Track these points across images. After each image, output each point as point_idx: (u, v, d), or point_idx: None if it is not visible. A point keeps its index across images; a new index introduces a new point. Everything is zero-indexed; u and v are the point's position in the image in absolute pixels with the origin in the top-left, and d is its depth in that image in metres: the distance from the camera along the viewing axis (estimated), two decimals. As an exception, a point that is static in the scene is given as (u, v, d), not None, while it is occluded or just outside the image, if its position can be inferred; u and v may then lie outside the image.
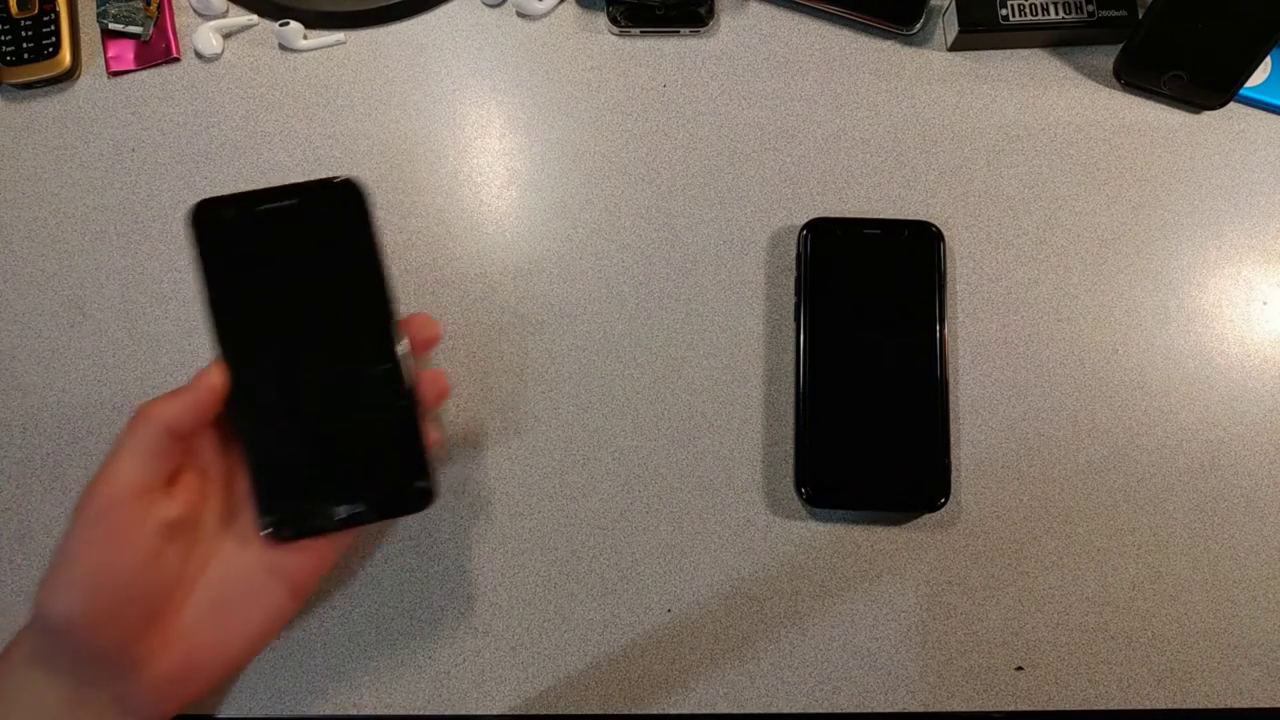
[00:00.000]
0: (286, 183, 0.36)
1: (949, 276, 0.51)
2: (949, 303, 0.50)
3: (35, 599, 0.33)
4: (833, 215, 0.51)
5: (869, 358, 0.48)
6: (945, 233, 0.50)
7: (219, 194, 0.36)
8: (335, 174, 0.37)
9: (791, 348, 0.50)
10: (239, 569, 0.36)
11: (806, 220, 0.50)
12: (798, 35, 0.55)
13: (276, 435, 0.36)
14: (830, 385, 0.48)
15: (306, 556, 0.37)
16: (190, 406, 0.35)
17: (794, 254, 0.50)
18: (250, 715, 0.47)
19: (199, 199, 0.36)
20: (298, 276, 0.36)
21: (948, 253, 0.50)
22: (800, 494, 0.47)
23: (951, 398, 0.49)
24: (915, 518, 0.48)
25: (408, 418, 0.37)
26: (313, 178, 0.37)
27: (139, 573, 0.33)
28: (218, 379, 0.35)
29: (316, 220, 0.36)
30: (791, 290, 0.50)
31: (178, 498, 0.35)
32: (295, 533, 0.36)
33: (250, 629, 0.36)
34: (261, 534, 0.36)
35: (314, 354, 0.36)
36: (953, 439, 0.48)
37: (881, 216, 0.51)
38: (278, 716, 0.47)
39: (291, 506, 0.36)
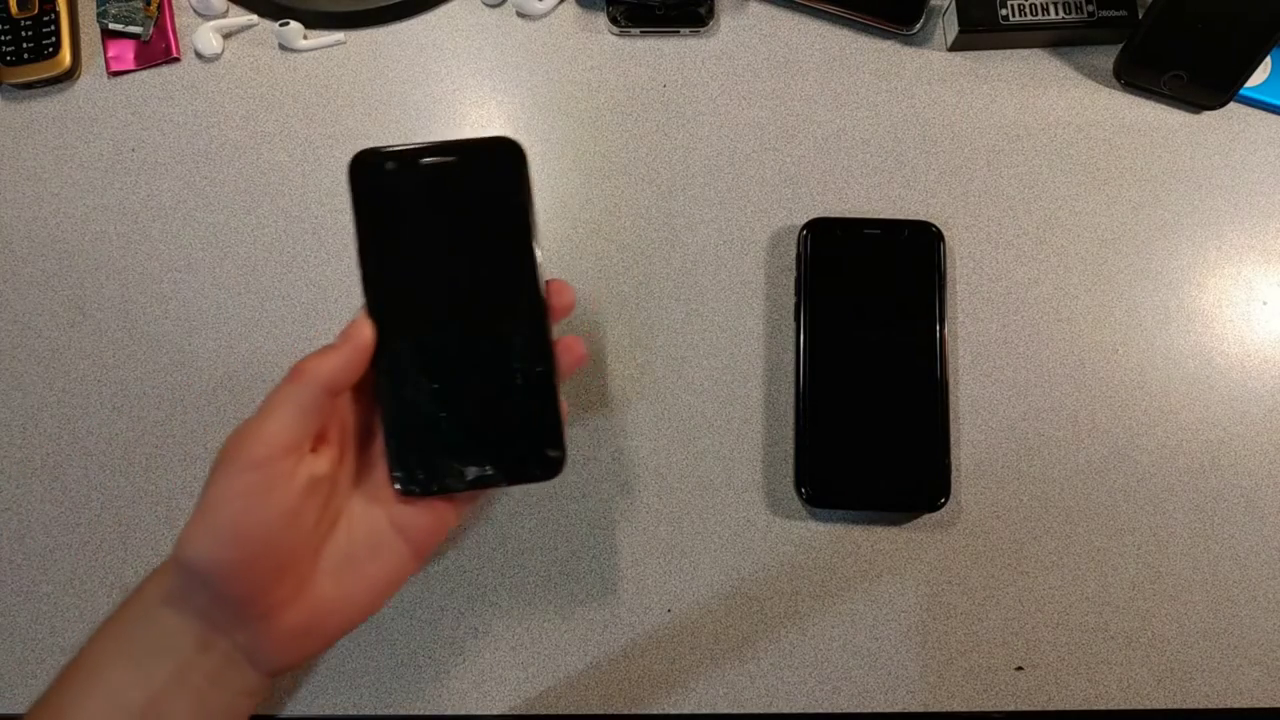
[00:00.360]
0: (446, 139, 0.36)
1: (949, 276, 0.51)
2: (949, 303, 0.50)
3: (177, 542, 0.33)
4: (833, 215, 0.51)
5: (869, 358, 0.48)
6: (945, 233, 0.50)
7: (380, 146, 0.36)
8: (498, 134, 0.37)
9: (791, 348, 0.50)
10: (367, 526, 0.36)
11: (806, 220, 0.50)
12: (798, 35, 0.55)
13: (415, 391, 0.36)
14: (830, 385, 0.48)
15: (430, 517, 0.37)
16: (346, 363, 0.35)
17: (794, 254, 0.50)
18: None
19: (360, 149, 0.36)
20: (449, 233, 0.36)
21: (948, 253, 0.50)
22: (800, 494, 0.47)
23: (951, 398, 0.49)
24: (915, 518, 0.48)
25: (545, 383, 0.36)
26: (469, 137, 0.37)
27: (282, 528, 0.33)
28: (369, 335, 0.35)
29: (473, 178, 0.36)
30: (791, 290, 0.50)
31: (322, 455, 0.35)
32: (424, 489, 0.36)
33: (375, 586, 0.36)
34: (393, 487, 0.36)
35: (459, 312, 0.36)
36: (953, 439, 0.48)
37: (881, 216, 0.51)
38: (278, 716, 0.47)
39: (423, 463, 0.36)
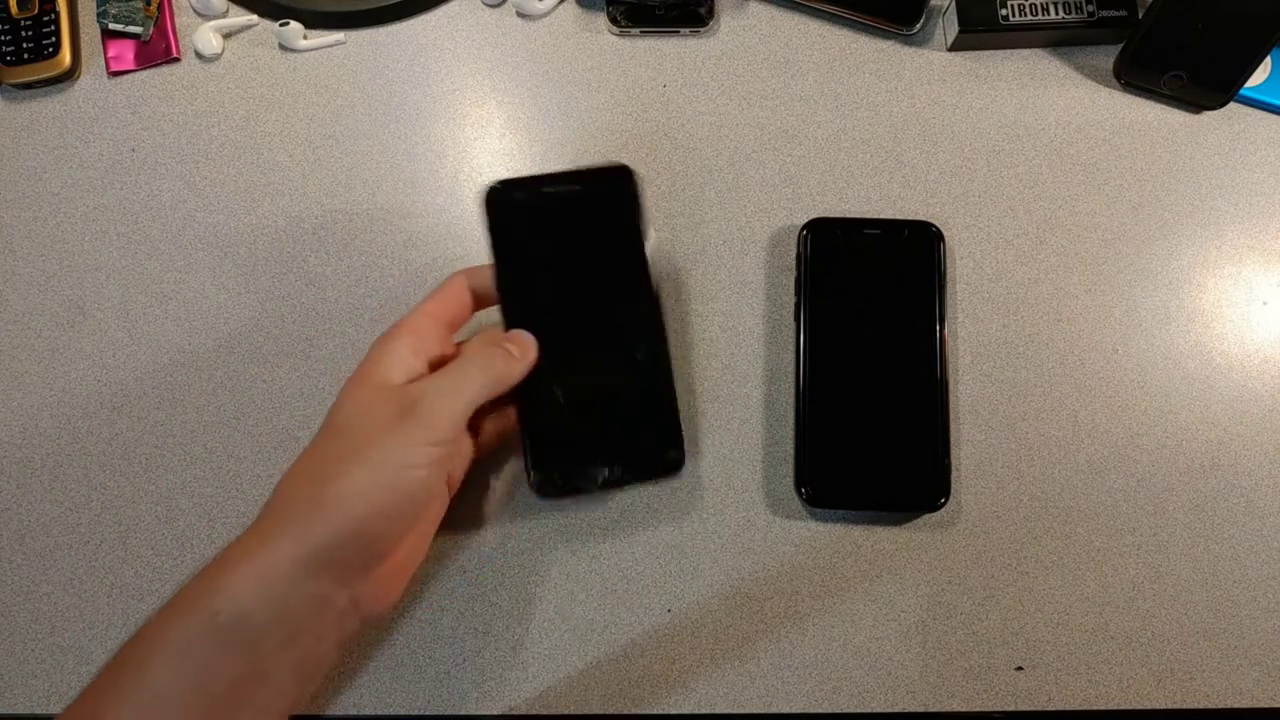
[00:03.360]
0: (569, 169, 0.40)
1: (949, 276, 0.51)
2: (949, 303, 0.50)
3: (324, 503, 0.35)
4: (833, 215, 0.51)
5: (869, 358, 0.48)
6: (945, 233, 0.50)
7: (511, 177, 0.40)
8: (613, 161, 0.41)
9: (791, 348, 0.50)
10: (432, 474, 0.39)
11: (806, 220, 0.50)
12: (798, 35, 0.55)
13: (551, 400, 0.39)
14: (830, 385, 0.48)
15: (460, 458, 0.40)
16: (519, 373, 0.39)
17: (794, 254, 0.50)
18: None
19: (493, 182, 0.39)
20: (574, 254, 0.40)
21: (948, 253, 0.50)
22: (800, 494, 0.47)
23: (951, 398, 0.49)
24: (915, 518, 0.48)
25: (666, 389, 0.40)
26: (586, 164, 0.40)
27: (433, 490, 0.37)
28: (462, 284, 0.40)
29: (594, 204, 0.40)
30: (791, 290, 0.50)
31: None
32: (560, 491, 0.40)
33: (434, 525, 0.40)
34: (532, 489, 0.39)
35: (586, 326, 0.40)
36: (953, 439, 0.48)
37: (881, 216, 0.51)
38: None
39: (559, 466, 0.39)
